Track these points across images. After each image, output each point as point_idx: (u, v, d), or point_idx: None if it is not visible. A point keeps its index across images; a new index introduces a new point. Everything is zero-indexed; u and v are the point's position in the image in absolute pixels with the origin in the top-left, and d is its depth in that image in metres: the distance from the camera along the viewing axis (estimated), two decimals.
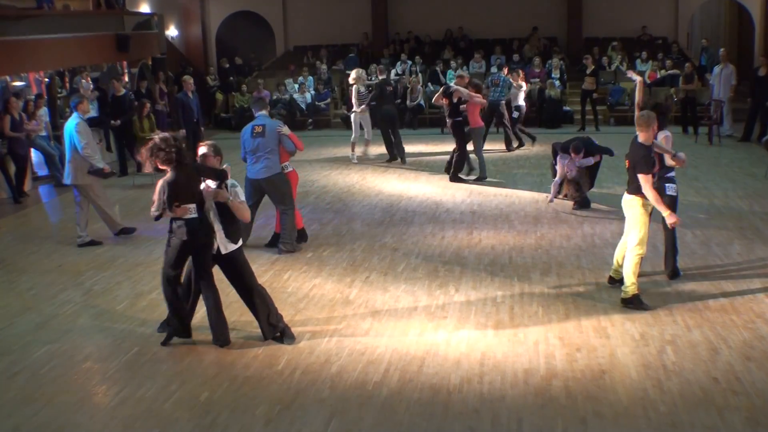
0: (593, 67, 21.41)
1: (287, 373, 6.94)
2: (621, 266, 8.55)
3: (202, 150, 7.59)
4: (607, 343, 7.34)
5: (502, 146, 18.46)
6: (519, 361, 7.03)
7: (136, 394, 6.67)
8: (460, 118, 14.77)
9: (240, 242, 7.63)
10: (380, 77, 17.84)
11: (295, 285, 9.28)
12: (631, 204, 8.28)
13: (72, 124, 11.24)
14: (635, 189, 8.19)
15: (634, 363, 6.92)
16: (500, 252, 10.35)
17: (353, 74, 17.35)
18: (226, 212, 7.44)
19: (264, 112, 10.56)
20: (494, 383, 6.63)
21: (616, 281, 8.78)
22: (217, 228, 7.46)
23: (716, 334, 7.48)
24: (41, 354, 7.59)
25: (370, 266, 9.93)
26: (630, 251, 8.25)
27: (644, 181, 8.02)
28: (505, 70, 19.66)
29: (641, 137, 8.20)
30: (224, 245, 7.48)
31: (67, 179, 11.44)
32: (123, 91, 17.57)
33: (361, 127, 17.30)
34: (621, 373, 6.75)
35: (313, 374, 6.91)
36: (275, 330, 7.64)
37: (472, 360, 7.09)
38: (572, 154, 12.36)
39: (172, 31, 26.48)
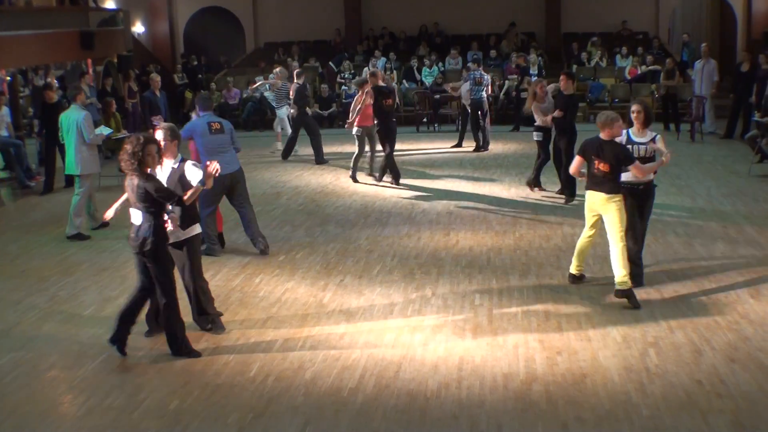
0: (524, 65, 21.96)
1: (259, 380, 6.82)
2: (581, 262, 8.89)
3: (158, 135, 7.49)
4: (588, 346, 7.25)
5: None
6: (498, 366, 6.94)
7: (104, 404, 6.52)
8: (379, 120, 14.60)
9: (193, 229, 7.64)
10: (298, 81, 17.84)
11: (266, 289, 9.12)
12: (613, 201, 8.31)
13: (79, 116, 11.66)
14: (615, 187, 8.30)
15: (616, 366, 6.84)
16: (478, 253, 10.24)
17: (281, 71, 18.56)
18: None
19: (211, 112, 10.38)
20: (473, 388, 6.54)
21: (578, 279, 8.94)
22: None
23: (700, 335, 7.41)
24: (4, 362, 7.40)
25: (344, 269, 9.78)
26: (616, 245, 8.24)
27: (639, 169, 8.30)
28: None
29: (605, 135, 8.37)
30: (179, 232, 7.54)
31: (74, 169, 11.68)
32: (56, 99, 15.99)
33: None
34: (603, 376, 6.67)
35: (286, 381, 6.79)
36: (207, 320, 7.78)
37: (450, 365, 6.99)
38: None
39: (138, 28, 26.24)
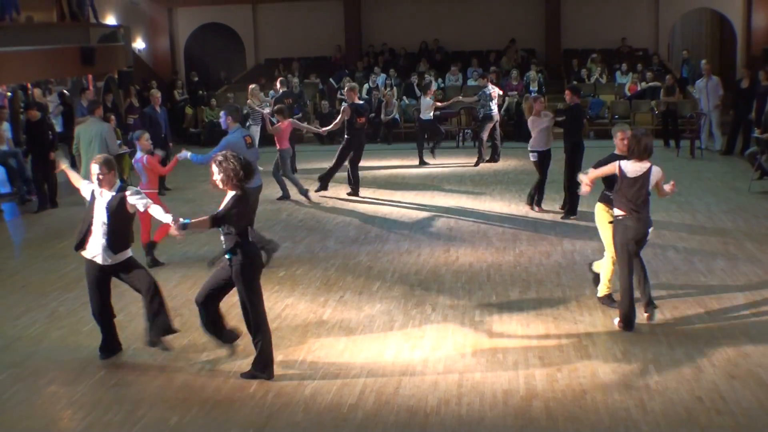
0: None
1: (259, 396, 6.80)
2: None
3: (94, 168, 7.48)
4: (588, 363, 7.24)
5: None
6: (498, 382, 6.92)
7: (103, 420, 6.50)
8: (349, 136, 14.90)
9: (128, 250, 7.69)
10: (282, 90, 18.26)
11: (267, 305, 8.84)
12: (597, 210, 8.69)
13: (101, 128, 12.32)
14: (603, 197, 8.58)
15: (616, 382, 6.83)
16: (478, 270, 10.22)
17: (254, 89, 18.66)
18: (117, 221, 7.50)
19: (239, 124, 10.49)
20: (473, 405, 6.52)
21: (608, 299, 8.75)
22: (101, 239, 7.46)
23: (700, 352, 7.39)
24: (4, 378, 7.39)
25: (344, 285, 9.77)
26: (609, 258, 8.49)
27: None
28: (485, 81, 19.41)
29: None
30: (109, 256, 7.51)
31: None
32: (39, 116, 15.60)
33: None
34: (603, 392, 6.65)
35: (286, 397, 6.78)
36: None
37: (449, 381, 6.97)
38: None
39: (139, 44, 26.24)
